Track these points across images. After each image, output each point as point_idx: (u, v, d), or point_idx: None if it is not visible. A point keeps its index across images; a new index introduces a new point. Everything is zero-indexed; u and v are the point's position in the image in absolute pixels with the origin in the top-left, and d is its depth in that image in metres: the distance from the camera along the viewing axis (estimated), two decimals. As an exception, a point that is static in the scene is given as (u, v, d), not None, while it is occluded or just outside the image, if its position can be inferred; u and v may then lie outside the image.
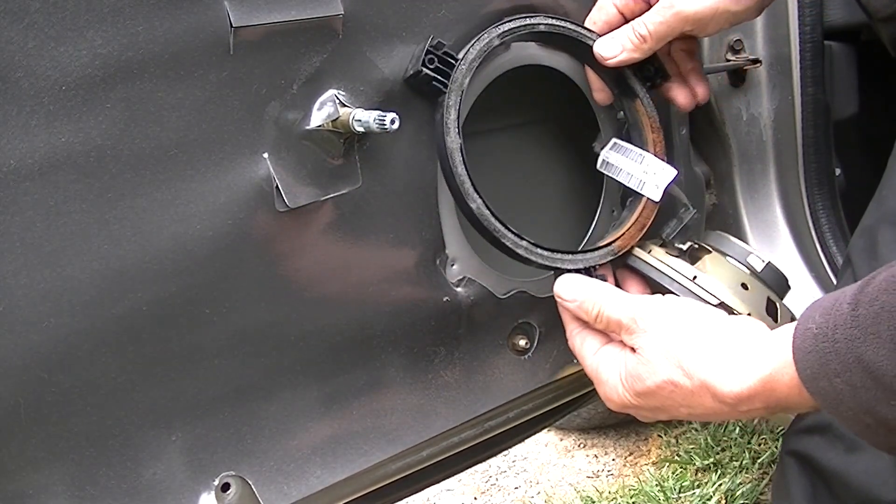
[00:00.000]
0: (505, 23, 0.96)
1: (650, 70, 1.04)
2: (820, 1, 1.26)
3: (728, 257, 1.03)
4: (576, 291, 0.93)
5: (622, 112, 1.07)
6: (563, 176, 1.21)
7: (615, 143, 1.06)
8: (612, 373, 0.89)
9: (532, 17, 0.97)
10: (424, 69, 0.90)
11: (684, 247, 1.02)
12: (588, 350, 0.92)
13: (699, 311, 0.86)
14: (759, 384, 0.77)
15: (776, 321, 1.01)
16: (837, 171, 1.34)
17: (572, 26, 1.00)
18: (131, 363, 0.79)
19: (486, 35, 0.94)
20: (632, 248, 1.02)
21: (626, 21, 1.01)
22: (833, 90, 1.31)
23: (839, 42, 1.30)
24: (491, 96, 1.01)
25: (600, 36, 1.02)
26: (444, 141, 0.91)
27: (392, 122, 0.83)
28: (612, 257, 1.00)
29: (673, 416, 0.86)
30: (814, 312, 0.74)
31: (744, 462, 2.18)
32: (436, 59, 0.91)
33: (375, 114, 0.83)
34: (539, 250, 0.95)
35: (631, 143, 1.05)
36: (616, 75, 1.04)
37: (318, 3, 0.84)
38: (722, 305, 0.97)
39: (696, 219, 1.06)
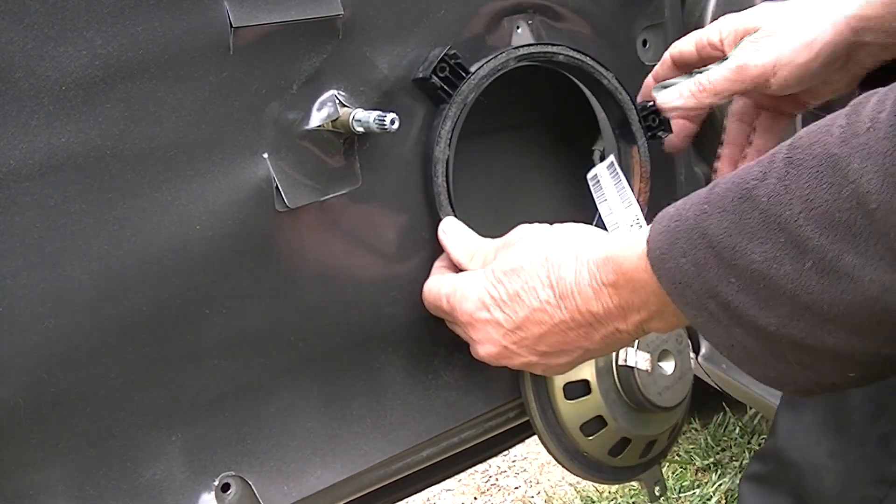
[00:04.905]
0: (524, 46, 0.97)
1: (654, 120, 1.05)
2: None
3: None
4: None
5: (618, 146, 1.07)
6: (562, 178, 1.21)
7: (612, 165, 1.05)
8: (473, 279, 0.86)
9: (553, 45, 0.99)
10: (434, 77, 0.91)
11: None
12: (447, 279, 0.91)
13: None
14: (616, 258, 0.75)
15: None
16: (837, 171, 1.34)
17: (590, 62, 1.02)
18: (131, 363, 0.79)
19: (503, 55, 0.96)
20: None
21: (699, 61, 1.02)
22: (833, 90, 1.31)
23: (839, 42, 1.29)
24: (491, 96, 1.01)
25: (617, 76, 1.02)
26: (433, 149, 0.93)
27: (392, 122, 0.83)
28: None
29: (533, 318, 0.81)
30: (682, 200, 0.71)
31: (744, 462, 2.18)
32: (447, 68, 0.92)
33: (375, 114, 0.83)
34: None
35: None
36: (620, 118, 1.05)
37: (318, 3, 0.84)
38: None
39: None
